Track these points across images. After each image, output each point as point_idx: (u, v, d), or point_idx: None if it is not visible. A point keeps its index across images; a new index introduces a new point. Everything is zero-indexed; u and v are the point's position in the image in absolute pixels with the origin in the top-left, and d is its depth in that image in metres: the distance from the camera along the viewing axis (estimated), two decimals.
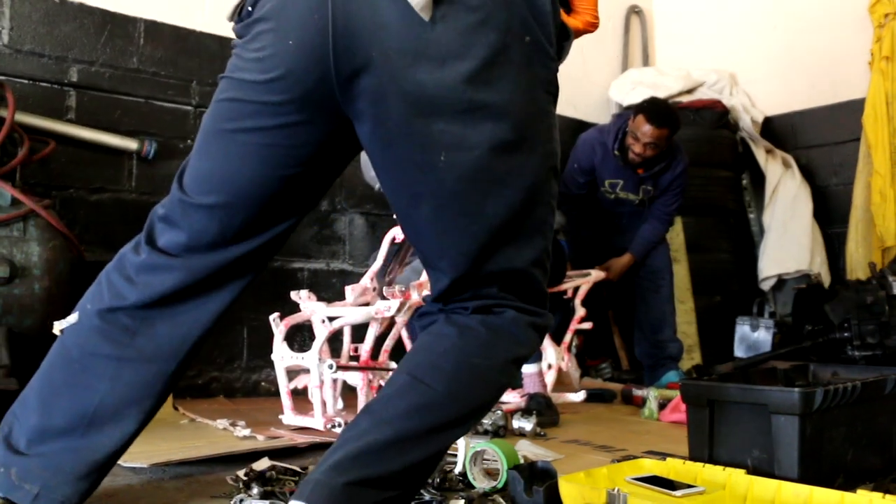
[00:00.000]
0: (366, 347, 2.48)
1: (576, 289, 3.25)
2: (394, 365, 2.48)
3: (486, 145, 1.05)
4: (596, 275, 3.32)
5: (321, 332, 2.36)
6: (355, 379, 2.44)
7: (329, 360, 2.29)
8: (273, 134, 1.11)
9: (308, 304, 2.48)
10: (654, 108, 3.31)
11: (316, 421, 2.30)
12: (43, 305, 2.25)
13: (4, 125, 2.28)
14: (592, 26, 1.22)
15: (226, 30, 3.23)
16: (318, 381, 2.30)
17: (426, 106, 1.03)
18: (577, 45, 4.36)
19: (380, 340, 2.50)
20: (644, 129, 3.26)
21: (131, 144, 2.91)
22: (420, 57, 1.01)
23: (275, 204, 1.18)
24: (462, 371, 1.09)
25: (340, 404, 2.54)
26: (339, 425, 2.29)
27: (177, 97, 3.07)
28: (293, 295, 2.53)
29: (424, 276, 2.60)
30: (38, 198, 2.35)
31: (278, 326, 2.42)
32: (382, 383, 2.61)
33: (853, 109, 3.94)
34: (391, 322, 2.53)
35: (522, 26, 1.06)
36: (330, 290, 3.36)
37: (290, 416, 2.37)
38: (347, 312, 2.43)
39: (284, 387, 2.40)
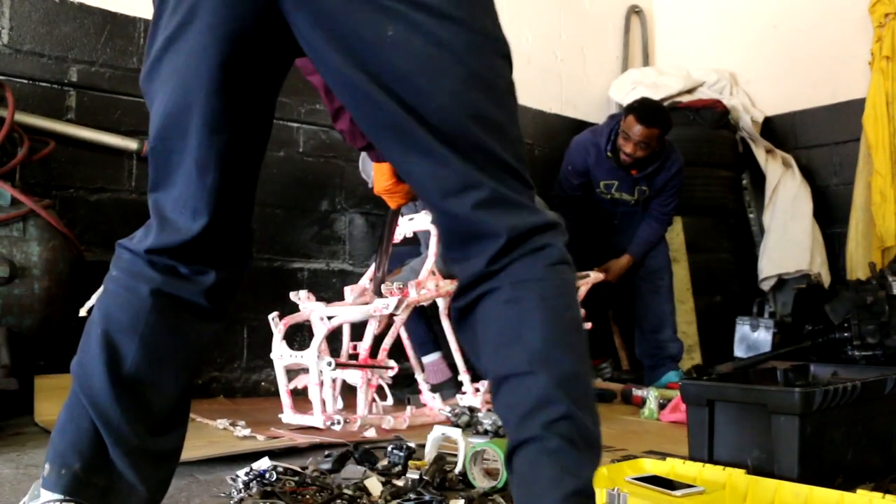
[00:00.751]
0: (364, 346, 2.48)
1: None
2: (392, 363, 2.49)
3: (427, 11, 0.94)
4: (595, 276, 3.31)
5: (320, 330, 2.37)
6: (355, 377, 2.44)
7: (328, 358, 2.30)
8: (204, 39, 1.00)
9: (307, 304, 2.49)
10: (645, 108, 3.30)
11: (315, 419, 2.30)
12: (43, 305, 2.25)
13: (4, 125, 2.28)
14: None
15: None
16: (318, 379, 2.30)
17: None
18: (578, 46, 4.36)
19: (379, 339, 2.51)
20: (634, 129, 3.26)
21: (131, 144, 2.91)
22: None
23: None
24: (571, 332, 0.99)
25: (340, 403, 2.54)
26: (339, 423, 2.29)
27: None
28: (292, 295, 2.54)
29: (423, 274, 2.60)
30: (37, 198, 2.35)
31: (277, 326, 2.42)
32: (381, 382, 2.62)
33: (853, 109, 3.94)
34: (390, 321, 2.54)
35: None
36: (330, 289, 3.36)
37: (289, 415, 2.37)
38: (345, 311, 2.43)
39: (284, 386, 2.40)
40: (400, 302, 2.42)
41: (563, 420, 0.94)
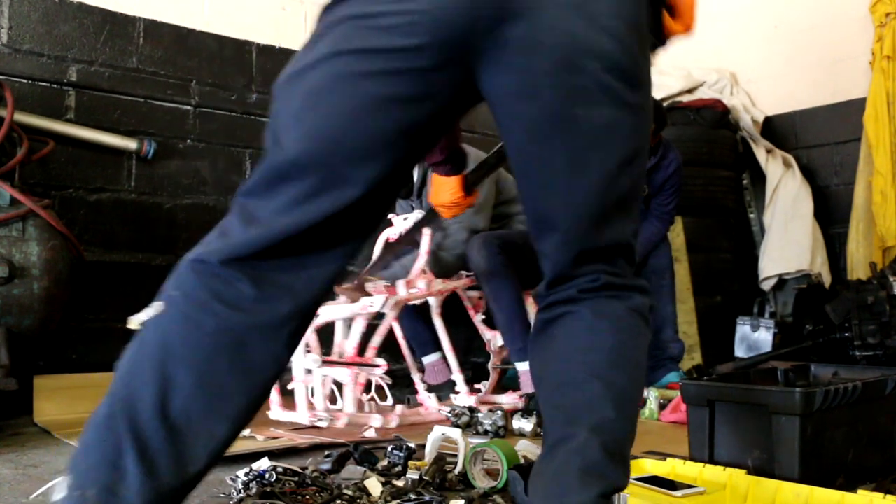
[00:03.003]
0: (352, 343, 2.51)
1: None
2: (381, 361, 2.50)
3: (618, 104, 1.05)
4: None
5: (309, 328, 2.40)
6: (342, 375, 2.47)
7: (313, 356, 2.32)
8: (398, 81, 1.02)
9: None
10: None
11: (300, 416, 2.33)
12: (42, 305, 2.25)
13: (3, 125, 2.28)
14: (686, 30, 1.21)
15: (225, 29, 3.23)
16: (302, 377, 2.34)
17: (576, 59, 1.01)
18: None
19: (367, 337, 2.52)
20: None
21: (131, 144, 2.91)
22: (578, 9, 1.01)
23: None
24: (634, 365, 1.15)
25: (340, 403, 2.55)
26: (323, 420, 2.31)
27: (176, 97, 3.07)
28: None
29: (414, 273, 2.61)
30: (37, 198, 2.35)
31: None
32: (381, 382, 2.62)
33: (854, 109, 3.93)
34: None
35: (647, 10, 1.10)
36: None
37: (276, 412, 2.41)
38: (329, 310, 2.46)
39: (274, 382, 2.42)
40: (386, 300, 2.45)
41: (608, 425, 1.03)
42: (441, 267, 2.82)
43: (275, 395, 2.40)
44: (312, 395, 2.59)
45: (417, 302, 2.81)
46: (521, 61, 1.02)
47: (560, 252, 1.12)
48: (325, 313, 2.49)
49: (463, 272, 2.86)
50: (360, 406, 2.52)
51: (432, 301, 2.78)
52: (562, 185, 1.08)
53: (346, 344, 2.53)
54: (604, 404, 1.04)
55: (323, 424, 2.31)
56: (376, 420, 2.39)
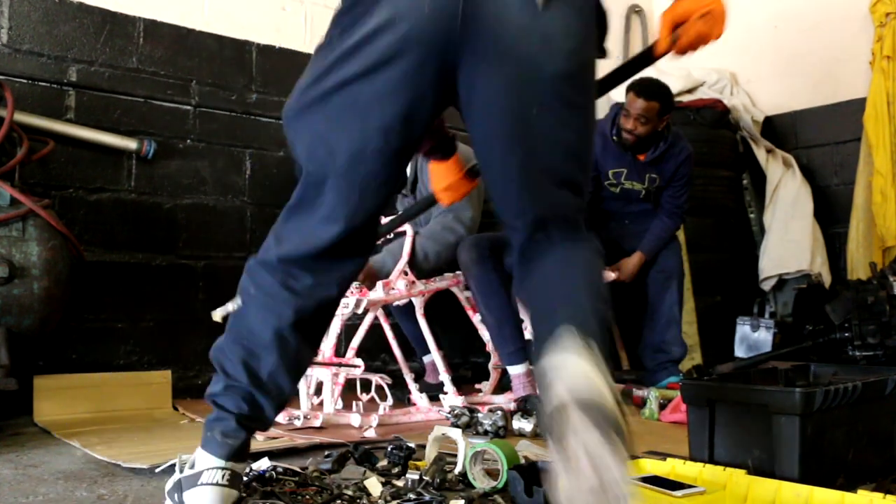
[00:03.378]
0: (328, 344, 2.55)
1: None
2: (359, 361, 2.52)
3: (565, 103, 1.29)
4: (606, 275, 3.30)
5: None
6: (322, 374, 2.50)
7: None
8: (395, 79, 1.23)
9: None
10: (644, 83, 3.31)
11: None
12: (42, 305, 2.25)
13: (3, 125, 2.28)
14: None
15: (225, 29, 3.23)
16: None
17: (531, 70, 1.25)
18: None
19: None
20: (635, 104, 3.27)
21: (130, 144, 2.91)
22: (532, 33, 1.23)
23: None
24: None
25: (340, 403, 2.55)
26: (299, 419, 2.33)
27: (176, 97, 3.07)
28: None
29: (394, 275, 2.62)
30: (37, 198, 2.35)
31: None
32: (381, 382, 2.62)
33: (854, 109, 3.93)
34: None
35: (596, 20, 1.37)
36: None
37: None
38: None
39: None
40: (359, 302, 2.47)
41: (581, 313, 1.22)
42: (425, 265, 2.82)
43: None
44: (318, 395, 2.60)
45: (400, 303, 2.83)
46: (489, 66, 1.24)
47: (525, 215, 1.35)
48: None
49: (448, 274, 2.85)
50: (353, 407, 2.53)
51: (416, 301, 2.79)
52: (522, 171, 1.32)
53: (324, 344, 2.57)
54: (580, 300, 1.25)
55: (298, 423, 2.32)
56: (355, 419, 2.40)
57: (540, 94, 1.25)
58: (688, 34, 1.39)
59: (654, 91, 3.29)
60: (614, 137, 3.41)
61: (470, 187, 2.00)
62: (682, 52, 1.43)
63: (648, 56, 1.61)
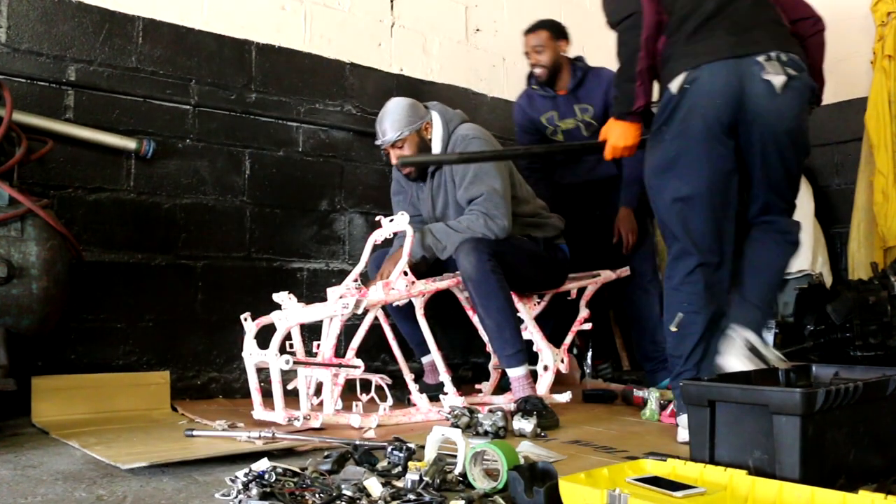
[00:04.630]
0: (327, 344, 2.56)
1: (580, 290, 3.24)
2: (359, 362, 2.52)
3: (791, 146, 2.28)
4: (605, 276, 3.30)
5: (280, 331, 2.47)
6: (322, 375, 2.53)
7: (285, 356, 2.37)
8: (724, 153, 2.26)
9: (286, 305, 2.58)
10: (530, 24, 3.62)
11: (277, 416, 2.36)
12: (41, 305, 2.24)
13: (2, 124, 2.27)
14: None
15: (225, 28, 3.23)
16: (278, 377, 2.38)
17: (774, 133, 2.22)
18: (578, 44, 4.33)
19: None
20: (527, 40, 3.55)
21: (130, 144, 2.90)
22: (772, 108, 2.18)
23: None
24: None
25: (340, 404, 2.54)
26: (299, 419, 2.34)
27: (175, 96, 3.06)
28: (275, 297, 2.60)
29: (394, 276, 2.62)
30: (35, 197, 2.34)
31: (250, 326, 2.49)
32: (382, 382, 2.62)
33: (855, 108, 3.92)
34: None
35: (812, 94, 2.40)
36: None
37: (259, 412, 2.43)
38: (302, 312, 2.53)
39: (254, 382, 2.46)
40: (358, 302, 2.48)
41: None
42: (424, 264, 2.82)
43: (255, 395, 2.44)
44: (317, 396, 2.60)
45: (400, 303, 2.82)
46: (752, 134, 2.25)
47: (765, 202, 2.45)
48: (306, 314, 2.54)
49: (448, 274, 2.84)
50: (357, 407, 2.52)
51: (416, 302, 2.78)
52: (767, 178, 2.38)
53: (324, 344, 2.58)
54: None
55: (297, 424, 2.33)
56: (355, 420, 2.40)
57: (777, 140, 2.22)
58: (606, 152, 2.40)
59: (539, 22, 3.58)
60: (533, 86, 3.62)
61: (633, 152, 2.40)
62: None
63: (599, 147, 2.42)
